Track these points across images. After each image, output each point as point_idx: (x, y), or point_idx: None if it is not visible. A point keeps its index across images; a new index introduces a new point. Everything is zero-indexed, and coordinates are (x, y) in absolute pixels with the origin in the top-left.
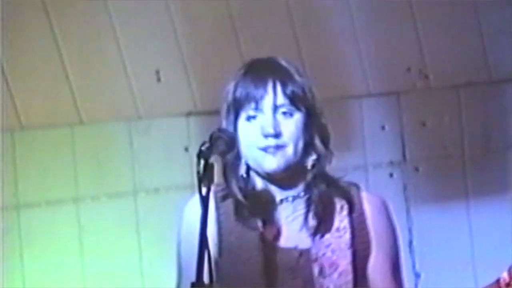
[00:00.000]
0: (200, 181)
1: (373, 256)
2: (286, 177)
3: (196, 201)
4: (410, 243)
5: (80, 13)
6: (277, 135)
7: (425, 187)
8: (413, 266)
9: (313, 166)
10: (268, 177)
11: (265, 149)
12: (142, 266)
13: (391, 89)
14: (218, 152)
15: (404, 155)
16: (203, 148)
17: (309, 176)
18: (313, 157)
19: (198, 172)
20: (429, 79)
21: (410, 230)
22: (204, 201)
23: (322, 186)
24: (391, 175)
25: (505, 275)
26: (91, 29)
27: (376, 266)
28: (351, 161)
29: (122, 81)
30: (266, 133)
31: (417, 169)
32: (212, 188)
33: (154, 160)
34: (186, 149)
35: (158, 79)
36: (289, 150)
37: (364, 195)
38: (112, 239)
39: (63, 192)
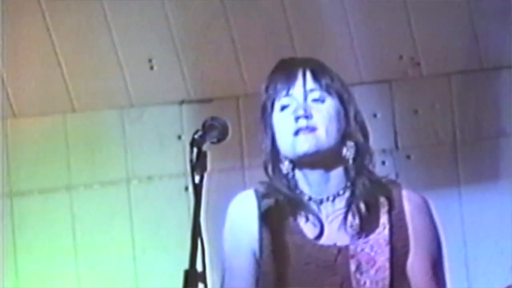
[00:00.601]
0: (193, 169)
1: (412, 253)
2: (322, 166)
3: (240, 198)
4: None
5: (72, 1)
6: (307, 116)
7: (417, 174)
8: None
9: (354, 160)
10: (301, 161)
11: (297, 132)
12: (135, 253)
13: (383, 77)
14: (211, 140)
15: (396, 143)
16: (196, 136)
17: (351, 173)
18: (351, 147)
19: (191, 160)
20: (421, 67)
21: None
22: (197, 189)
23: (363, 184)
24: (383, 162)
25: None
26: (84, 17)
27: (415, 264)
28: None
29: (115, 69)
30: (297, 115)
31: (409, 157)
32: (260, 187)
33: (147, 148)
34: (179, 137)
35: (151, 67)
36: (321, 133)
37: (404, 193)
38: (105, 227)
39: (56, 180)
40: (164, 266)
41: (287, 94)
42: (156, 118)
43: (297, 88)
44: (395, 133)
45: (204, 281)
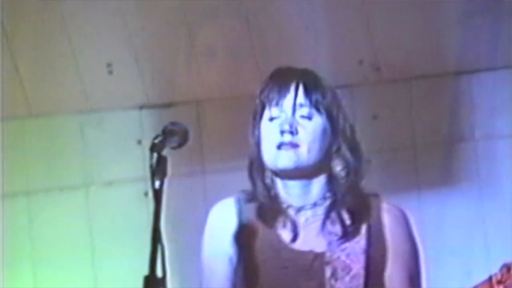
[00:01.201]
0: (153, 175)
1: (390, 264)
2: (303, 178)
3: (220, 206)
4: None
5: (30, 5)
6: (292, 132)
7: (377, 179)
8: None
9: (345, 176)
10: (282, 174)
11: (280, 146)
12: (94, 259)
13: (343, 82)
14: (171, 145)
15: None
16: (156, 141)
17: (334, 184)
18: (339, 165)
19: (151, 166)
20: (381, 72)
21: None
22: (157, 194)
23: (344, 194)
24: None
25: (497, 272)
26: (41, 22)
27: (393, 275)
28: None
29: (74, 73)
30: (282, 129)
31: (369, 161)
32: (240, 195)
33: (106, 153)
34: (139, 142)
35: (110, 72)
36: (303, 150)
37: (384, 205)
38: (64, 233)
39: (14, 185)
40: (124, 272)
41: (277, 105)
42: (116, 123)
43: (288, 101)
44: None
45: (164, 287)
